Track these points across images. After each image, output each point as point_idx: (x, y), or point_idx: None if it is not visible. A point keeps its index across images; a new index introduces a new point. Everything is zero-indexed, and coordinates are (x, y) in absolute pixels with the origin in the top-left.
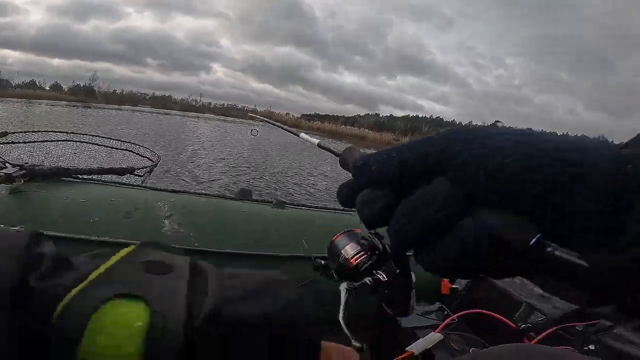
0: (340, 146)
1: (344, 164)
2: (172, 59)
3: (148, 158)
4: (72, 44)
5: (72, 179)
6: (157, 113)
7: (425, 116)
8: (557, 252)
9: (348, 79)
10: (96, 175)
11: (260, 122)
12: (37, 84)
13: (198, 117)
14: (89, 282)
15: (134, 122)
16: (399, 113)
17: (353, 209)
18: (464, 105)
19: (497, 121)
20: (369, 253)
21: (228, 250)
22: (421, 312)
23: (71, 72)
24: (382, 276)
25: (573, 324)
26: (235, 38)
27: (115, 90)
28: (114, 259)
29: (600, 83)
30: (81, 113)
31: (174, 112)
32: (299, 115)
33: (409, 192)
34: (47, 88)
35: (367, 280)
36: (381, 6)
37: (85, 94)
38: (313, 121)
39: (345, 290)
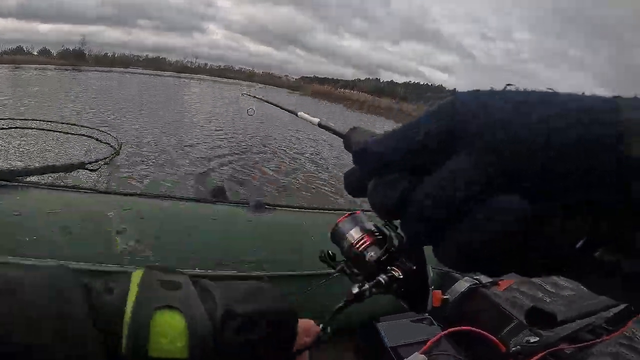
0: (337, 110)
1: (348, 146)
2: (166, 20)
3: (109, 144)
4: (61, 8)
5: (1, 183)
6: (148, 74)
7: (427, 83)
8: (605, 258)
9: (350, 42)
10: (35, 177)
11: (257, 98)
12: (25, 49)
13: (192, 78)
14: (135, 299)
15: (115, 87)
16: (400, 79)
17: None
18: (467, 75)
19: (509, 84)
20: (377, 243)
21: (198, 271)
22: (408, 323)
23: (60, 37)
24: (398, 273)
25: (562, 347)
26: None
27: (106, 54)
28: (135, 281)
29: (614, 60)
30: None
31: (166, 73)
32: (298, 77)
33: (424, 175)
34: (35, 53)
35: (382, 278)
36: None
37: (75, 58)
38: (312, 84)
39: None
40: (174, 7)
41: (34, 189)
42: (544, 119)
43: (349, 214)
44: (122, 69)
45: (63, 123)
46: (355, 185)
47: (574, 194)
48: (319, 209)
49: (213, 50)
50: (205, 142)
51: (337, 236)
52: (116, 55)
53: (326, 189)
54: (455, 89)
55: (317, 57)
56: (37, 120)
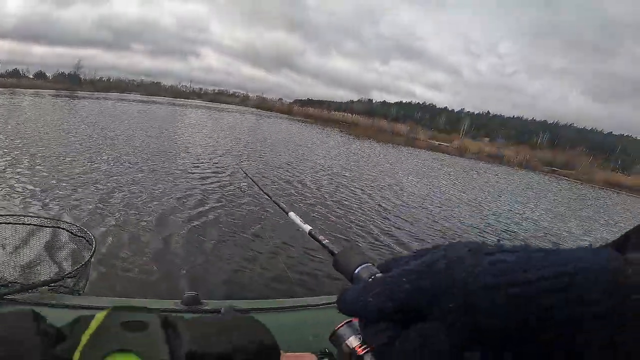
0: (332, 135)
1: (337, 266)
2: (159, 44)
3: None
4: (56, 31)
5: None
6: (142, 102)
7: (418, 102)
8: None
9: (341, 64)
10: None
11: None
12: (21, 72)
13: (186, 105)
14: (84, 344)
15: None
16: (391, 99)
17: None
18: (456, 92)
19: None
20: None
21: (174, 307)
22: None
23: (55, 60)
24: None
25: None
26: (225, 22)
27: (102, 78)
28: (94, 324)
29: (594, 69)
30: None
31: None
32: (292, 101)
33: (410, 323)
34: (31, 77)
35: None
36: None
37: (70, 82)
38: (306, 107)
39: None
40: (168, 31)
41: None
42: (526, 296)
43: (346, 322)
44: (117, 93)
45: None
46: (351, 312)
47: None
48: (305, 307)
49: (208, 75)
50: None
51: (336, 341)
52: (112, 80)
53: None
54: (446, 107)
55: (309, 79)
56: None
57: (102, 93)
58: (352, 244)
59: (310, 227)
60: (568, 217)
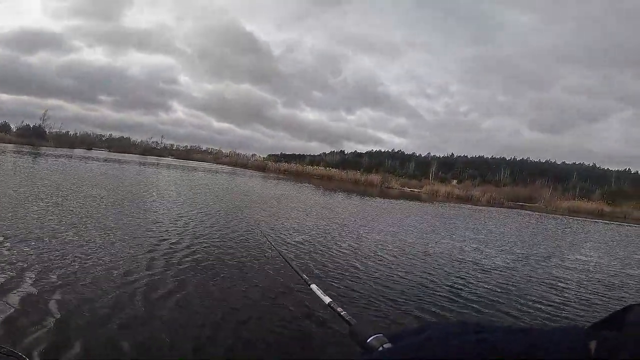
0: (309, 189)
1: (353, 336)
2: (127, 96)
3: None
4: (20, 77)
5: None
6: (111, 161)
7: (388, 150)
8: None
9: (310, 115)
10: None
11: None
12: None
13: (158, 163)
14: None
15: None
16: (361, 148)
17: None
18: (420, 135)
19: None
20: None
21: None
22: None
23: (20, 108)
24: None
25: None
26: (193, 75)
27: (67, 132)
28: None
29: (535, 101)
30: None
31: (131, 157)
32: (265, 156)
33: None
34: None
35: None
36: (334, 40)
37: (35, 136)
38: (280, 162)
39: None
40: (135, 82)
41: None
42: None
43: None
44: (84, 150)
45: None
46: None
47: None
48: None
49: (177, 128)
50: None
51: None
52: (78, 134)
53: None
54: (414, 152)
55: (280, 132)
56: None
57: (65, 149)
58: (365, 316)
59: (330, 299)
60: (544, 245)
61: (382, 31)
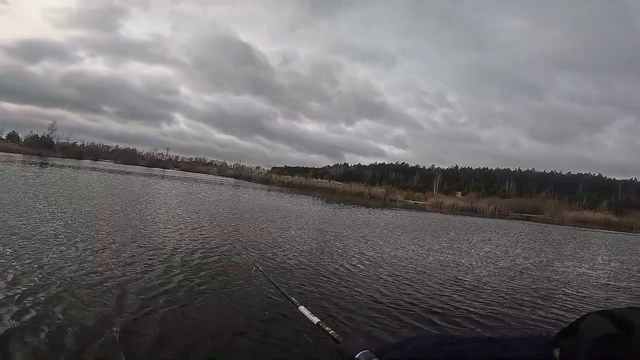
0: (313, 202)
1: (340, 353)
2: (130, 107)
3: None
4: (25, 87)
5: None
6: (116, 172)
7: (392, 163)
8: None
9: (309, 127)
10: None
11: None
12: None
13: (163, 176)
14: None
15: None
16: (363, 160)
17: None
18: (420, 147)
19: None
20: None
21: None
22: None
23: (26, 118)
24: None
25: None
26: (192, 86)
27: (75, 143)
28: None
29: (533, 110)
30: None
31: (136, 168)
32: (270, 169)
33: None
34: (4, 137)
35: None
36: (329, 49)
37: (43, 146)
38: (284, 174)
39: None
40: (137, 93)
41: None
42: None
43: None
44: (91, 160)
45: None
46: None
47: None
48: None
49: (181, 140)
50: None
51: None
52: (85, 145)
53: None
54: (417, 164)
55: (281, 144)
56: None
57: (73, 160)
58: (353, 333)
59: (319, 320)
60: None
61: (376, 40)
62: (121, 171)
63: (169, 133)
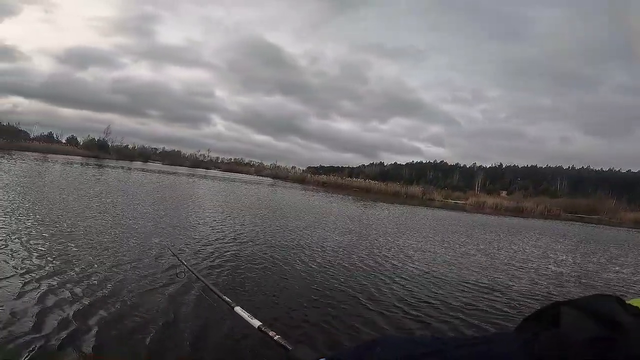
0: (349, 202)
1: None
2: (172, 110)
3: None
4: (78, 93)
5: None
6: (164, 172)
7: (430, 161)
8: None
9: (343, 125)
10: None
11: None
12: (55, 136)
13: (205, 175)
14: None
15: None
16: (399, 159)
17: None
18: (459, 144)
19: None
20: None
21: None
22: None
23: (82, 123)
24: None
25: None
26: (227, 88)
27: (127, 145)
28: None
29: (585, 104)
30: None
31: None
32: (305, 169)
33: None
34: (64, 141)
35: None
36: (355, 47)
37: (99, 149)
38: (319, 174)
39: None
40: (177, 96)
41: None
42: None
43: None
44: (141, 162)
45: None
46: None
47: None
48: None
49: (220, 142)
50: None
51: None
52: (136, 147)
53: None
54: (457, 163)
55: (315, 144)
56: None
57: (126, 162)
58: (305, 340)
59: (260, 323)
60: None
61: (402, 36)
62: (169, 172)
63: (209, 135)
